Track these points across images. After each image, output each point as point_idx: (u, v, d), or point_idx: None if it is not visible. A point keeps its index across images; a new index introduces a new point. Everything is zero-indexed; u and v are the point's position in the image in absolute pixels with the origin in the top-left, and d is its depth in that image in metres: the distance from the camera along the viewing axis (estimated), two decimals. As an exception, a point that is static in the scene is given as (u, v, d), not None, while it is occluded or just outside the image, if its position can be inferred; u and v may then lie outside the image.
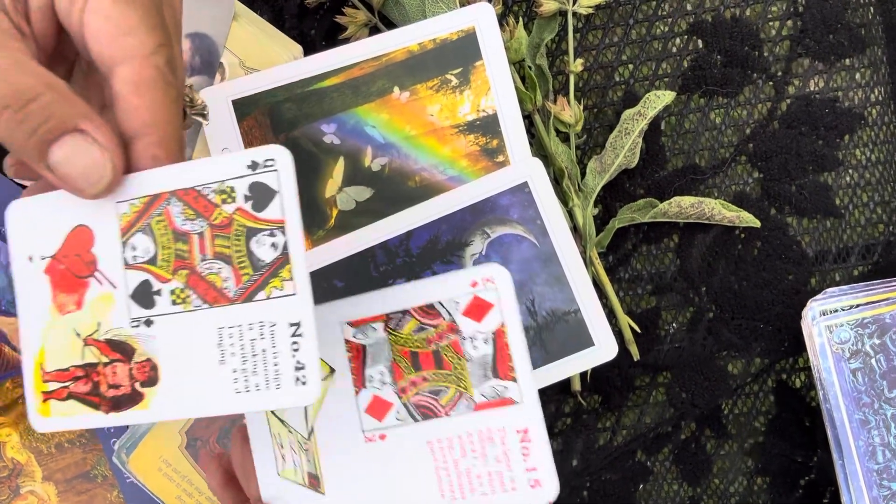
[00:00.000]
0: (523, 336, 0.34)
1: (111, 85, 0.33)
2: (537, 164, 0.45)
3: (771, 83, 0.49)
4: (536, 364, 0.44)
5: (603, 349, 0.44)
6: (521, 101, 0.46)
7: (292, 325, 0.31)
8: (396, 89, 0.45)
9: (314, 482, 0.37)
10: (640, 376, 0.49)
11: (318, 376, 0.30)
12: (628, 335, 0.48)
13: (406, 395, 0.35)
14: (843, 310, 0.44)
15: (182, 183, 0.33)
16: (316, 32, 0.49)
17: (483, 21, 0.45)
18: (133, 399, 0.33)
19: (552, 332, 0.44)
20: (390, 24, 0.48)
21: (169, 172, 0.33)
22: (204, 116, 0.43)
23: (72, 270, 0.34)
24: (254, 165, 0.32)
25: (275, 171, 0.32)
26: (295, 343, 0.31)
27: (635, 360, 0.48)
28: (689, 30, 0.49)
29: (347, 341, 0.36)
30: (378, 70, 0.45)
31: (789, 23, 0.49)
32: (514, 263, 0.45)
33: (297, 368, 0.30)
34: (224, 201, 0.32)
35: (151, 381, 0.32)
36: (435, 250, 0.45)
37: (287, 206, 0.31)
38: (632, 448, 0.48)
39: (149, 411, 0.32)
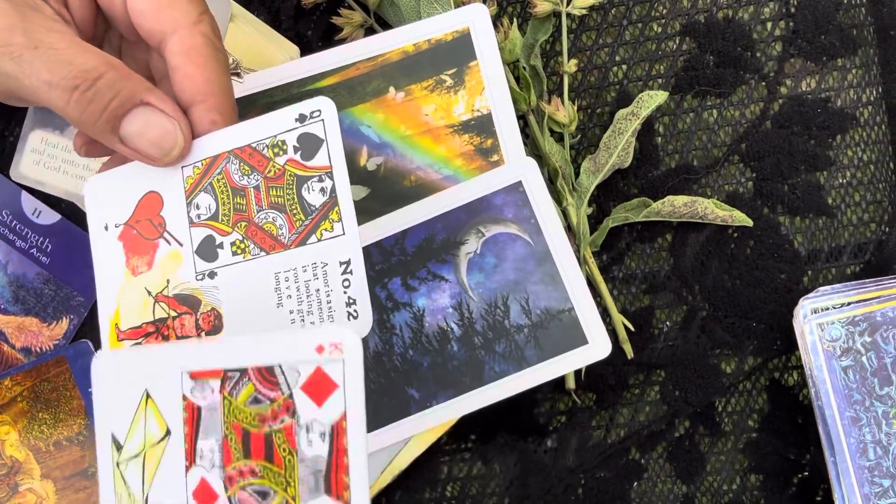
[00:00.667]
0: (365, 438, 0.27)
1: (165, 58, 0.35)
2: (531, 163, 0.45)
3: (763, 83, 0.49)
4: (531, 362, 0.45)
5: (597, 347, 0.45)
6: (515, 102, 0.46)
7: (342, 263, 0.32)
8: (392, 89, 0.46)
9: None
10: (633, 374, 0.49)
11: (370, 309, 0.30)
12: (622, 334, 0.48)
13: (233, 487, 0.29)
14: (835, 308, 0.44)
15: (239, 142, 0.34)
16: (312, 33, 0.49)
17: (477, 22, 0.45)
18: None
19: (546, 330, 0.45)
20: (386, 25, 0.48)
21: (226, 134, 0.34)
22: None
23: (143, 234, 0.36)
24: (301, 118, 0.34)
25: (321, 120, 0.33)
26: (346, 280, 0.32)
27: (629, 358, 0.48)
28: (682, 31, 0.49)
29: (185, 397, 0.30)
30: (373, 70, 0.46)
31: (781, 24, 0.49)
32: (509, 262, 0.45)
33: (349, 304, 0.31)
34: (276, 154, 0.34)
35: (216, 329, 0.34)
36: (430, 249, 0.45)
37: (333, 152, 0.33)
38: (626, 446, 0.49)
39: None
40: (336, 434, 0.27)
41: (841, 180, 0.49)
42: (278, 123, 0.34)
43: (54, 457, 0.48)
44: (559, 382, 0.48)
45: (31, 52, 0.32)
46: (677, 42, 0.49)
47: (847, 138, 0.49)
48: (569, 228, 0.47)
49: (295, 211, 0.33)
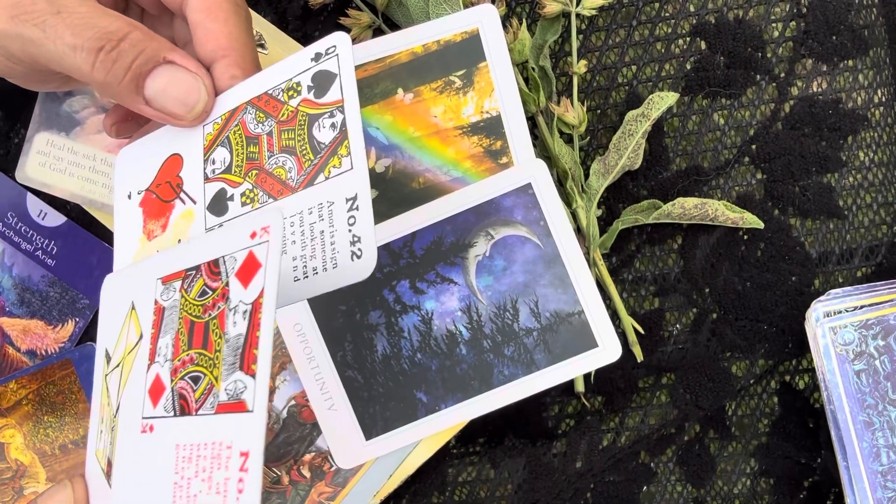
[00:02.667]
0: (273, 313, 0.27)
1: (186, 16, 0.35)
2: (541, 165, 0.45)
3: (774, 84, 0.49)
4: (541, 365, 0.44)
5: (607, 350, 0.44)
6: (524, 103, 0.46)
7: (349, 199, 0.31)
8: (400, 91, 0.45)
9: (108, 470, 0.32)
10: (643, 378, 0.49)
11: (374, 247, 0.30)
12: (632, 336, 0.48)
13: (176, 377, 0.30)
14: (847, 311, 0.44)
15: (256, 91, 0.34)
16: (320, 34, 0.49)
17: (487, 23, 0.45)
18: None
19: (556, 333, 0.44)
20: (394, 26, 0.48)
21: (245, 85, 0.34)
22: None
23: (161, 197, 0.36)
24: (317, 57, 0.33)
25: (335, 56, 0.33)
26: (351, 217, 0.31)
27: (639, 361, 0.48)
28: (692, 31, 0.49)
29: (156, 302, 0.31)
30: (382, 72, 0.45)
31: (792, 24, 0.49)
32: (518, 265, 0.45)
33: (353, 242, 0.31)
34: (291, 97, 0.33)
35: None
36: (439, 251, 0.45)
37: (346, 84, 0.32)
38: (635, 449, 0.48)
39: None
40: (254, 311, 0.27)
41: (852, 182, 0.49)
42: (294, 66, 0.33)
43: (59, 460, 0.48)
44: (568, 386, 0.48)
45: (55, 17, 0.33)
46: (687, 43, 0.49)
47: (858, 139, 0.49)
48: (578, 230, 0.47)
49: (304, 151, 0.33)
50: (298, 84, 0.33)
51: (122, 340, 0.33)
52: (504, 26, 0.46)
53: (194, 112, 0.34)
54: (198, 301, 0.30)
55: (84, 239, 0.47)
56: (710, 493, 0.49)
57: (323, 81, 0.33)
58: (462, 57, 0.45)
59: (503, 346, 0.44)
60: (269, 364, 0.27)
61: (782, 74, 0.49)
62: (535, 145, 0.46)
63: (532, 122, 0.48)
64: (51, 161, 0.46)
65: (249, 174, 0.33)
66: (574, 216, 0.47)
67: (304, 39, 0.48)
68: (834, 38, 0.49)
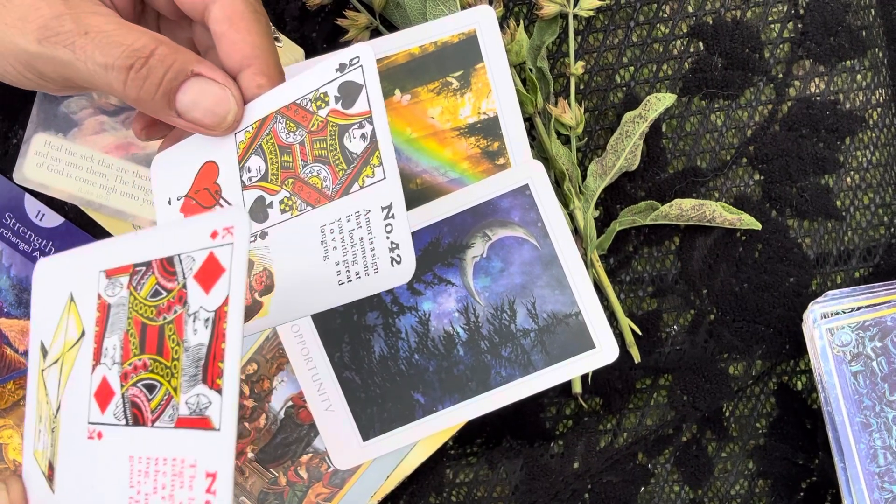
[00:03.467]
0: (241, 323, 0.25)
1: (209, 26, 0.36)
2: (538, 166, 0.45)
3: (772, 85, 0.49)
4: (538, 367, 0.44)
5: (604, 352, 0.44)
6: (521, 104, 0.46)
7: (384, 208, 0.32)
8: (398, 92, 0.45)
9: (50, 474, 0.31)
10: (641, 379, 0.49)
11: (412, 253, 0.30)
12: (629, 338, 0.48)
13: (127, 382, 0.28)
14: (845, 312, 0.44)
15: (285, 100, 0.34)
16: (317, 35, 0.49)
17: (484, 23, 0.45)
18: (254, 309, 0.34)
19: (553, 334, 0.44)
20: (391, 27, 0.48)
21: (273, 95, 0.35)
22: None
23: (201, 204, 0.36)
24: (342, 67, 0.34)
25: (360, 66, 0.33)
26: (388, 225, 0.32)
27: (636, 362, 0.48)
28: (689, 32, 0.49)
29: (99, 297, 0.29)
30: (379, 73, 0.45)
31: (790, 25, 0.49)
32: (515, 266, 0.45)
33: (392, 249, 0.32)
34: (319, 107, 0.34)
35: (268, 289, 0.34)
36: (436, 253, 0.45)
37: (372, 96, 0.33)
38: (633, 450, 0.48)
39: (268, 318, 0.34)
40: (218, 320, 0.26)
41: (850, 183, 0.49)
42: (320, 76, 0.34)
43: (58, 461, 0.48)
44: (565, 387, 0.48)
45: (83, 38, 0.33)
46: (685, 43, 0.49)
47: (856, 140, 0.49)
48: (576, 232, 0.47)
49: (338, 161, 0.33)
50: (326, 94, 0.34)
51: (61, 335, 0.31)
52: (501, 27, 0.46)
53: (226, 122, 0.35)
54: (150, 301, 0.28)
55: (82, 240, 0.47)
56: (708, 495, 0.49)
57: (350, 92, 0.34)
58: (459, 58, 0.45)
59: (500, 348, 0.44)
60: (236, 379, 0.25)
61: (780, 75, 0.49)
62: (532, 146, 0.46)
63: (529, 123, 0.48)
64: (48, 162, 0.46)
65: (286, 182, 0.34)
66: (571, 217, 0.47)
67: (302, 41, 0.48)
68: (832, 39, 0.49)
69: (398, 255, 0.32)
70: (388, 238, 0.32)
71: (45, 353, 0.32)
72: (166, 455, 0.26)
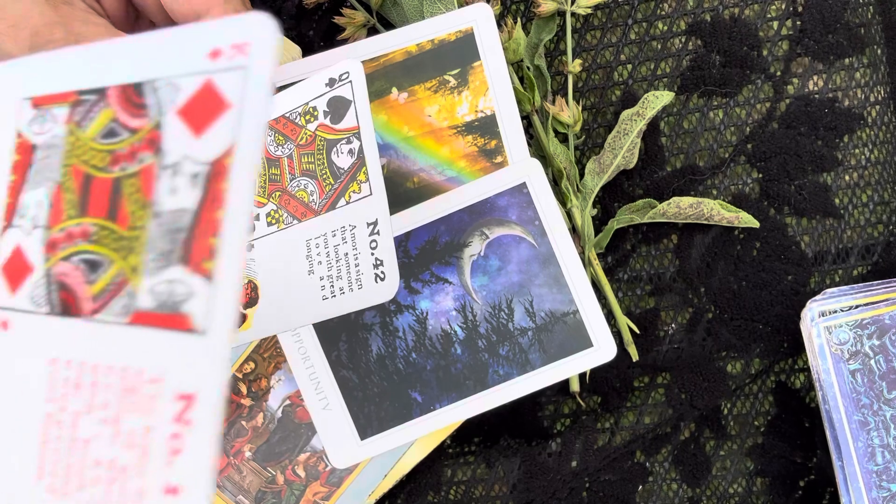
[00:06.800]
0: (253, 187, 0.18)
1: None
2: (536, 164, 0.45)
3: (770, 83, 0.49)
4: (536, 365, 0.44)
5: (602, 350, 0.44)
6: (519, 102, 0.46)
7: (370, 224, 0.32)
8: (394, 90, 0.45)
9: None
10: (639, 377, 0.49)
11: (396, 270, 0.30)
12: (627, 336, 0.48)
13: (54, 254, 0.20)
14: (843, 311, 0.44)
15: (274, 113, 0.34)
16: (314, 33, 0.49)
17: (481, 21, 0.45)
18: (237, 322, 0.31)
19: (551, 333, 0.44)
20: (388, 25, 0.47)
21: None
22: None
23: None
24: (331, 82, 0.34)
25: (349, 82, 0.33)
26: (373, 241, 0.32)
27: (634, 360, 0.48)
28: (687, 30, 0.49)
29: (20, 134, 0.22)
30: (376, 71, 0.45)
31: (788, 23, 0.49)
32: (513, 264, 0.45)
33: (376, 265, 0.31)
34: (308, 121, 0.34)
35: (252, 301, 0.33)
36: (434, 251, 0.45)
37: (360, 111, 0.33)
38: (631, 449, 0.48)
39: (252, 330, 0.33)
40: (213, 177, 0.18)
41: (848, 181, 0.49)
42: (310, 90, 0.34)
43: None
44: (563, 385, 0.48)
45: (74, 45, 0.33)
46: (683, 41, 0.49)
47: (854, 138, 0.49)
48: (573, 230, 0.47)
49: (325, 175, 0.33)
50: (315, 108, 0.34)
51: None
52: (499, 25, 0.46)
53: None
54: (101, 144, 0.20)
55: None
56: (706, 493, 0.49)
57: (339, 107, 0.34)
58: (456, 56, 0.45)
59: (498, 346, 0.44)
60: (239, 263, 0.17)
61: (778, 73, 0.49)
62: (529, 144, 0.46)
63: (527, 121, 0.47)
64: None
65: (273, 195, 0.34)
66: (569, 215, 0.47)
67: (299, 39, 0.48)
68: (830, 36, 0.49)
69: (382, 272, 0.32)
70: (372, 254, 0.32)
71: None
72: (111, 362, 0.19)
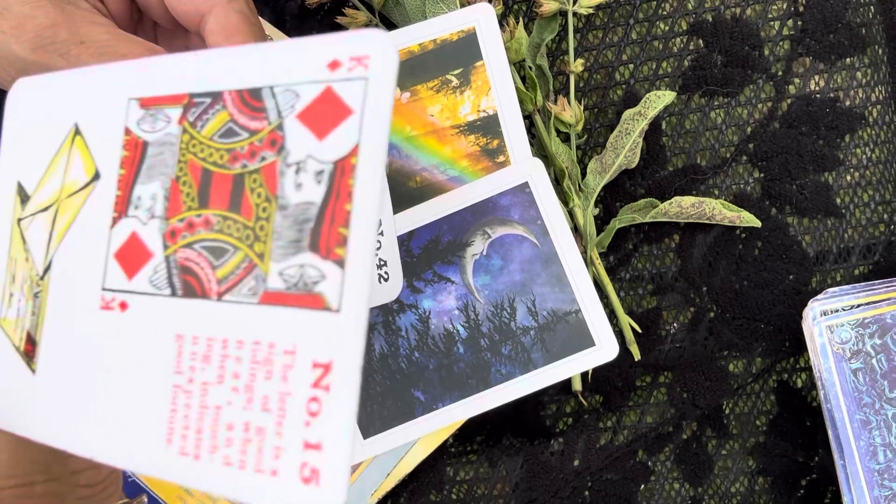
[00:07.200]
0: (379, 185, 0.19)
1: (204, 38, 0.35)
2: (538, 164, 0.45)
3: (771, 83, 0.49)
4: (538, 364, 0.44)
5: (604, 349, 0.44)
6: (521, 102, 0.46)
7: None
8: (397, 90, 0.45)
9: (30, 349, 0.24)
10: (641, 376, 0.49)
11: (400, 271, 0.27)
12: (629, 335, 0.48)
13: (175, 242, 0.22)
14: (844, 310, 0.44)
15: None
16: (317, 33, 0.49)
17: (483, 21, 0.45)
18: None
19: (553, 332, 0.44)
20: (391, 25, 0.48)
21: None
22: None
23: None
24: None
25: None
26: (377, 242, 0.30)
27: (636, 360, 0.48)
28: (689, 30, 0.49)
29: (128, 131, 0.23)
30: (379, 71, 0.45)
31: (790, 22, 0.49)
32: (515, 263, 0.45)
33: (380, 266, 0.30)
34: None
35: None
36: (436, 250, 0.45)
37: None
38: (633, 448, 0.48)
39: None
40: (339, 174, 0.19)
41: (850, 180, 0.49)
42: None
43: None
44: (565, 384, 0.48)
45: (79, 47, 0.33)
46: (684, 41, 0.49)
47: (856, 138, 0.49)
48: (575, 229, 0.47)
49: None
50: None
51: (56, 175, 0.25)
52: (501, 25, 0.46)
53: None
54: (219, 143, 0.21)
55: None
56: (708, 492, 0.49)
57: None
58: (459, 56, 0.45)
59: (500, 345, 0.45)
60: (370, 248, 0.19)
61: (780, 73, 0.49)
62: (532, 144, 0.46)
63: (529, 120, 0.48)
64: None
65: None
66: (571, 215, 0.47)
67: (302, 38, 0.48)
68: (831, 36, 0.49)
69: (386, 273, 0.31)
70: (376, 255, 0.31)
71: (24, 197, 0.26)
72: (242, 337, 0.20)
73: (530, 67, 0.47)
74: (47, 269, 0.24)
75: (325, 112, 0.20)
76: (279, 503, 0.19)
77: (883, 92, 0.49)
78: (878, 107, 0.49)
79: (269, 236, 0.20)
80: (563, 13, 0.48)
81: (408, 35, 0.45)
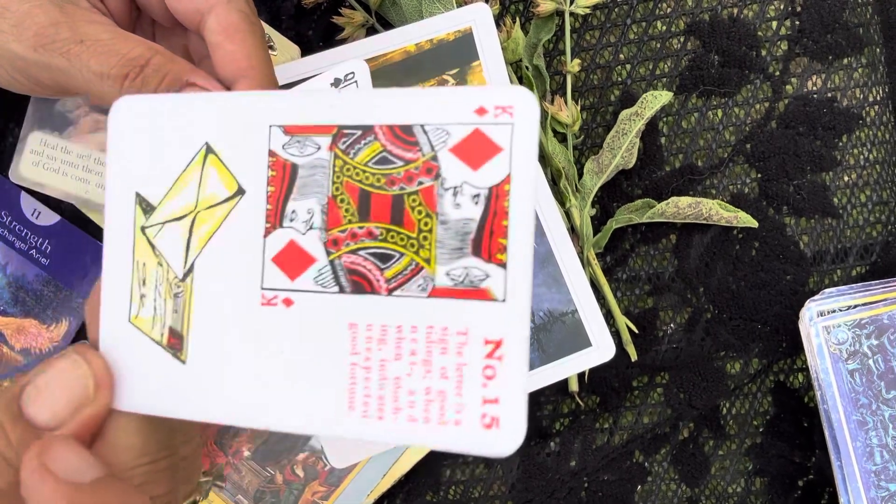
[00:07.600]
0: (532, 206, 0.23)
1: (204, 37, 0.36)
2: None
3: (769, 83, 0.49)
4: (534, 365, 0.44)
5: (600, 350, 0.44)
6: (518, 102, 0.46)
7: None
8: (393, 90, 0.45)
9: (175, 342, 0.27)
10: (637, 377, 0.49)
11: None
12: (626, 336, 0.48)
13: (338, 249, 0.25)
14: (841, 310, 0.44)
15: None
16: (313, 33, 0.49)
17: (480, 21, 0.45)
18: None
19: (549, 332, 0.44)
20: (387, 25, 0.48)
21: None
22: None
23: None
24: (337, 82, 0.35)
25: (354, 82, 0.35)
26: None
27: (633, 360, 0.48)
28: (686, 30, 0.49)
29: (273, 154, 0.27)
30: (375, 71, 0.45)
31: (787, 23, 0.49)
32: (512, 264, 0.45)
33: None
34: None
35: None
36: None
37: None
38: (630, 449, 0.48)
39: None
40: (494, 198, 0.23)
41: (847, 181, 0.49)
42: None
43: (54, 460, 0.48)
44: (562, 385, 0.48)
45: (79, 46, 0.33)
46: (682, 41, 0.49)
47: (853, 138, 0.49)
48: (572, 230, 0.47)
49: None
50: None
51: (189, 189, 0.28)
52: (497, 25, 0.46)
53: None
54: (374, 168, 0.25)
55: (78, 238, 0.47)
56: (705, 493, 0.49)
57: None
58: (455, 56, 0.45)
59: (497, 346, 0.44)
60: (529, 253, 0.22)
61: (777, 73, 0.49)
62: (528, 144, 0.46)
63: (526, 121, 0.47)
64: (44, 160, 0.46)
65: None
66: (568, 215, 0.47)
67: (298, 39, 0.48)
68: (828, 36, 0.49)
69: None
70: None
71: (146, 207, 0.28)
72: (415, 323, 0.23)
73: (527, 67, 0.47)
74: (188, 273, 0.27)
75: (477, 148, 0.23)
76: (465, 445, 0.23)
77: (880, 92, 0.49)
78: (876, 107, 0.49)
79: (432, 245, 0.24)
80: (560, 13, 0.47)
81: (404, 35, 0.45)
